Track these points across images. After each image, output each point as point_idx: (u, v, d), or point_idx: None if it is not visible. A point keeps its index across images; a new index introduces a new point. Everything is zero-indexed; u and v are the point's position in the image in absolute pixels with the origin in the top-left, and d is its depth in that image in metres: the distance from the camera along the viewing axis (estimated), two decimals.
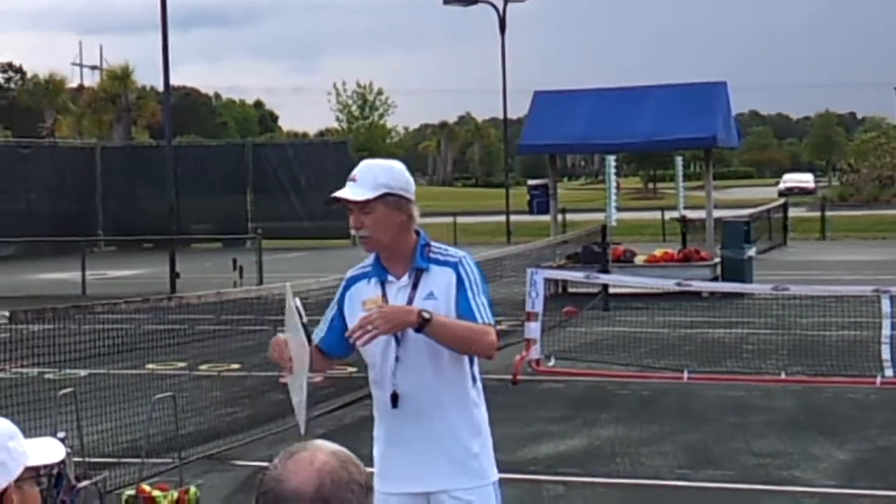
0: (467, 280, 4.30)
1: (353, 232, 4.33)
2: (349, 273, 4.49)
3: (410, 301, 4.27)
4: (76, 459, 7.52)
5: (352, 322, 4.31)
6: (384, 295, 4.33)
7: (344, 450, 2.30)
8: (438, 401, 4.30)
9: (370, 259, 4.43)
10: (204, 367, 12.90)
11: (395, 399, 4.31)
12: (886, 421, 10.53)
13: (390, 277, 4.34)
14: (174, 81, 58.64)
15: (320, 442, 2.31)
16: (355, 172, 4.30)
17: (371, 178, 4.25)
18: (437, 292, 4.28)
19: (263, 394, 11.95)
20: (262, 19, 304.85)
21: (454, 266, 4.31)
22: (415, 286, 4.30)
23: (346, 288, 4.45)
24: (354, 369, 13.15)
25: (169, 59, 24.62)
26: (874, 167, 59.69)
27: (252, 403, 11.55)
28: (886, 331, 12.77)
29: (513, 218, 38.77)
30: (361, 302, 4.36)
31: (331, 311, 4.49)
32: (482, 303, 4.31)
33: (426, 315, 4.15)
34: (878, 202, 54.68)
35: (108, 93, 57.14)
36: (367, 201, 4.22)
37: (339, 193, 4.26)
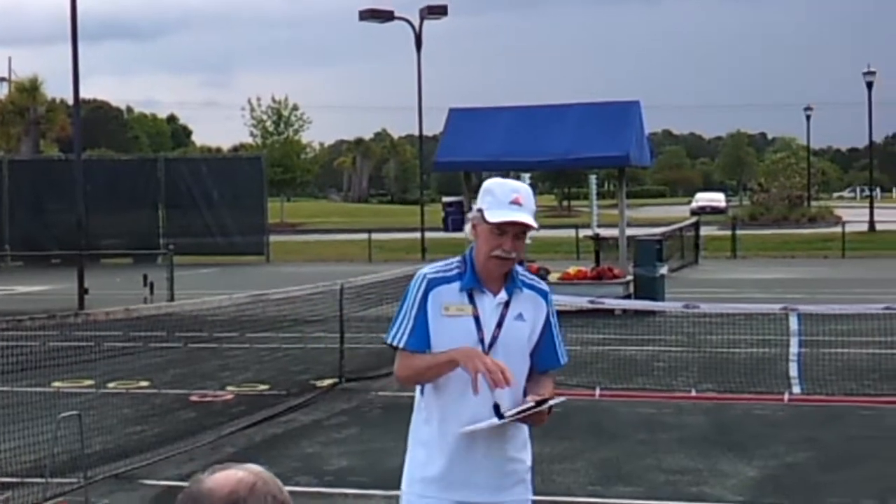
0: (554, 318, 4.51)
1: (498, 252, 4.23)
2: (427, 273, 4.37)
3: (503, 319, 4.33)
4: None
5: (434, 321, 4.29)
6: (474, 306, 4.32)
7: (271, 475, 2.33)
8: None
9: (451, 263, 4.40)
10: (112, 384, 12.71)
11: (497, 409, 4.32)
12: (794, 437, 10.67)
13: (486, 291, 4.33)
14: (85, 94, 57.92)
15: (251, 465, 2.34)
16: (518, 196, 4.24)
17: (531, 203, 4.29)
18: (525, 315, 4.38)
19: (173, 412, 11.79)
20: (174, 33, 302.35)
21: (545, 296, 4.46)
22: (507, 305, 4.35)
23: (428, 289, 4.33)
24: (266, 387, 13.07)
25: (79, 71, 24.33)
26: (784, 187, 60.94)
27: (161, 421, 11.39)
28: (794, 348, 12.98)
29: (428, 235, 38.85)
30: (444, 306, 4.31)
31: (413, 311, 4.34)
32: (562, 343, 4.55)
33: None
34: (787, 221, 55.78)
35: (16, 105, 56.17)
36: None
37: (522, 219, 4.20)
